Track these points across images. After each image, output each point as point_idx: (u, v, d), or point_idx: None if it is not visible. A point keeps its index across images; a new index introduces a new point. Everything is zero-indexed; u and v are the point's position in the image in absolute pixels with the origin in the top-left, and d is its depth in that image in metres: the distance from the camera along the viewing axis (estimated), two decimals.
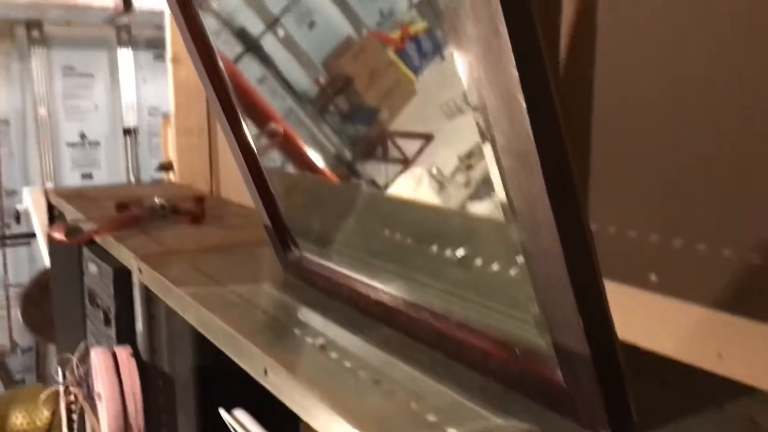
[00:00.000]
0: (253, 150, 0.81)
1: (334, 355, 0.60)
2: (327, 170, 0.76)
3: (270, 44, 0.73)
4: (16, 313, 2.88)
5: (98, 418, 0.99)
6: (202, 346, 1.11)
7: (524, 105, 0.37)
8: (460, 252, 0.58)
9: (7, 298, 2.96)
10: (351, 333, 0.65)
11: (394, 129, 0.63)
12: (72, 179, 3.22)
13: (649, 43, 0.65)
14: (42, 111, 3.10)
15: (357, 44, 0.63)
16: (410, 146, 0.62)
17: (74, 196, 1.48)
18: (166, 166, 1.70)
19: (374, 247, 0.71)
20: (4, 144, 3.02)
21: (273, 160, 0.84)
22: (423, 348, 0.60)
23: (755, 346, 0.61)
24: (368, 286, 0.70)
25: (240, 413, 0.70)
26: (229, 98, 0.79)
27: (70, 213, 1.38)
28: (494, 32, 0.36)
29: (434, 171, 0.59)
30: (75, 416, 1.80)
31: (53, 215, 1.57)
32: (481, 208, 0.55)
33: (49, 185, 2.94)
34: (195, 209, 1.19)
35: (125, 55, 3.29)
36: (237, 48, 0.78)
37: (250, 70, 0.79)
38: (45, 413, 2.56)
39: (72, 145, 3.25)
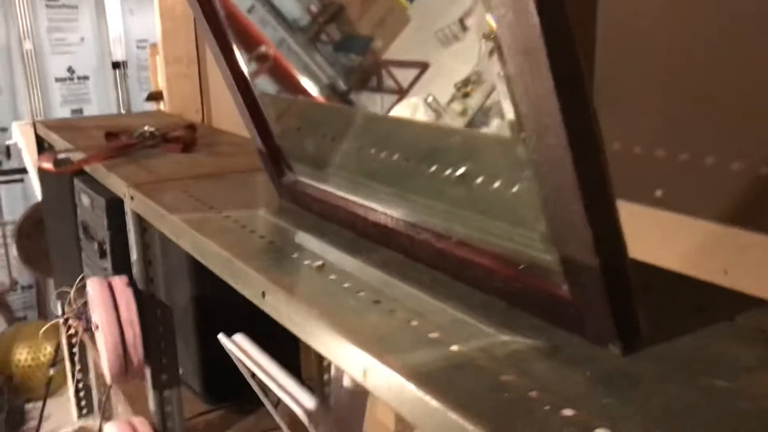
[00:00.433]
0: (245, 75, 0.78)
1: (332, 276, 0.58)
2: (321, 99, 0.73)
3: None
4: (12, 251, 2.89)
5: (98, 349, 0.98)
6: (198, 273, 1.10)
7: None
8: (460, 170, 0.56)
9: (3, 236, 2.95)
10: (349, 255, 0.64)
11: (387, 58, 0.61)
12: (62, 114, 3.17)
13: None
14: (27, 45, 3.02)
15: None
16: (405, 75, 0.60)
17: (62, 126, 1.44)
18: (155, 96, 1.66)
19: (371, 168, 0.69)
20: None
21: (265, 84, 0.81)
22: (423, 268, 0.59)
23: (763, 260, 0.59)
24: (366, 207, 0.68)
25: (240, 338, 0.69)
26: (219, 23, 0.76)
27: (59, 144, 1.35)
28: None
29: (430, 100, 0.57)
30: (76, 349, 1.82)
31: (43, 148, 1.53)
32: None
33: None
34: (186, 137, 1.16)
35: None
36: None
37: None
38: (48, 348, 2.59)
39: (61, 80, 3.19)
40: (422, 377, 0.40)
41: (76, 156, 1.10)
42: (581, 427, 0.35)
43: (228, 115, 1.46)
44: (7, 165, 2.92)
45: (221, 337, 0.70)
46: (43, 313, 3.09)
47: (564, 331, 0.46)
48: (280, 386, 0.61)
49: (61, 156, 1.10)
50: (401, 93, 0.61)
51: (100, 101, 3.32)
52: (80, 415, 1.90)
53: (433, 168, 0.59)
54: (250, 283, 0.61)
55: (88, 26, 3.26)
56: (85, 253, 1.33)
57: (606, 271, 0.41)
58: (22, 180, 2.87)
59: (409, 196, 0.63)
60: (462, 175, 0.56)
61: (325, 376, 1.13)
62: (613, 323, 0.42)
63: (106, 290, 0.90)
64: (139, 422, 0.97)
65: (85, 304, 1.37)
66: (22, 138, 1.99)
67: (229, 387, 1.08)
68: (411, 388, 0.40)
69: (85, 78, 3.28)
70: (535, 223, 0.47)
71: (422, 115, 0.59)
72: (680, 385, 0.39)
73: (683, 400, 0.38)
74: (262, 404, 0.79)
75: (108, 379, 0.93)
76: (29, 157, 1.91)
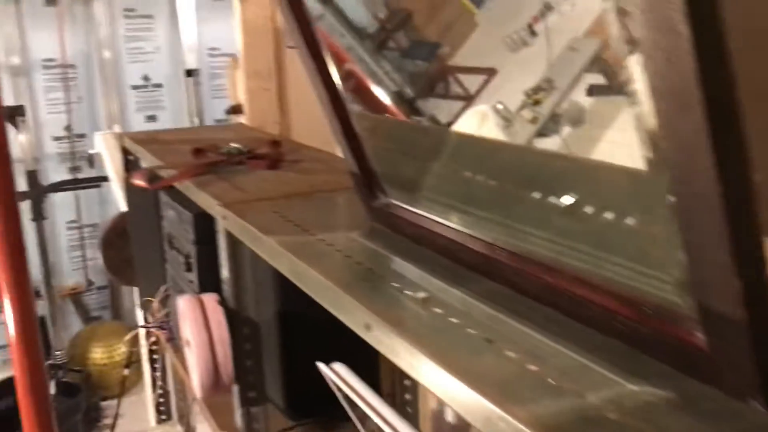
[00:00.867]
0: (339, 92, 0.77)
1: (437, 310, 0.57)
2: (390, 108, 0.73)
3: None
4: (88, 253, 2.98)
5: (185, 365, 1.00)
6: (283, 288, 1.10)
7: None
8: (568, 199, 0.54)
9: (81, 239, 3.05)
10: (451, 286, 0.62)
11: (455, 64, 0.60)
12: (137, 121, 3.26)
13: None
14: (106, 54, 3.12)
15: None
16: (473, 82, 0.59)
17: (148, 140, 1.48)
18: (236, 110, 1.68)
19: (467, 191, 0.68)
20: (73, 89, 3.06)
21: (350, 101, 0.81)
22: (532, 303, 0.57)
23: None
24: (464, 234, 0.66)
25: (340, 367, 0.69)
26: (314, 38, 0.75)
27: (145, 158, 1.38)
28: None
29: (499, 107, 0.56)
30: (157, 355, 1.86)
31: (128, 160, 1.57)
32: (549, 144, 0.52)
33: (117, 128, 2.98)
34: (272, 153, 1.17)
35: None
36: None
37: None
38: (122, 348, 2.66)
39: (136, 87, 3.27)
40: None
41: (167, 173, 1.12)
42: None
43: (307, 129, 1.46)
44: (89, 173, 3.02)
45: (321, 366, 0.69)
46: (117, 314, 3.18)
47: (696, 380, 0.44)
48: (383, 419, 0.60)
49: (154, 174, 1.12)
50: (468, 100, 0.60)
51: (173, 108, 3.40)
52: (159, 421, 1.95)
53: (536, 194, 0.57)
54: (352, 314, 0.60)
55: (162, 35, 3.34)
56: (170, 265, 1.35)
57: (753, 325, 0.38)
58: (99, 186, 2.97)
59: (510, 223, 0.61)
60: (572, 204, 0.54)
61: (407, 396, 1.12)
62: (756, 377, 0.40)
63: (198, 308, 0.91)
64: None
65: (168, 314, 1.40)
66: (104, 148, 2.05)
67: (312, 403, 1.08)
68: None
69: (159, 86, 3.37)
70: (664, 263, 0.44)
71: (491, 123, 0.57)
72: None
73: None
74: (343, 421, 0.78)
75: (198, 395, 0.94)
76: (112, 167, 1.97)
